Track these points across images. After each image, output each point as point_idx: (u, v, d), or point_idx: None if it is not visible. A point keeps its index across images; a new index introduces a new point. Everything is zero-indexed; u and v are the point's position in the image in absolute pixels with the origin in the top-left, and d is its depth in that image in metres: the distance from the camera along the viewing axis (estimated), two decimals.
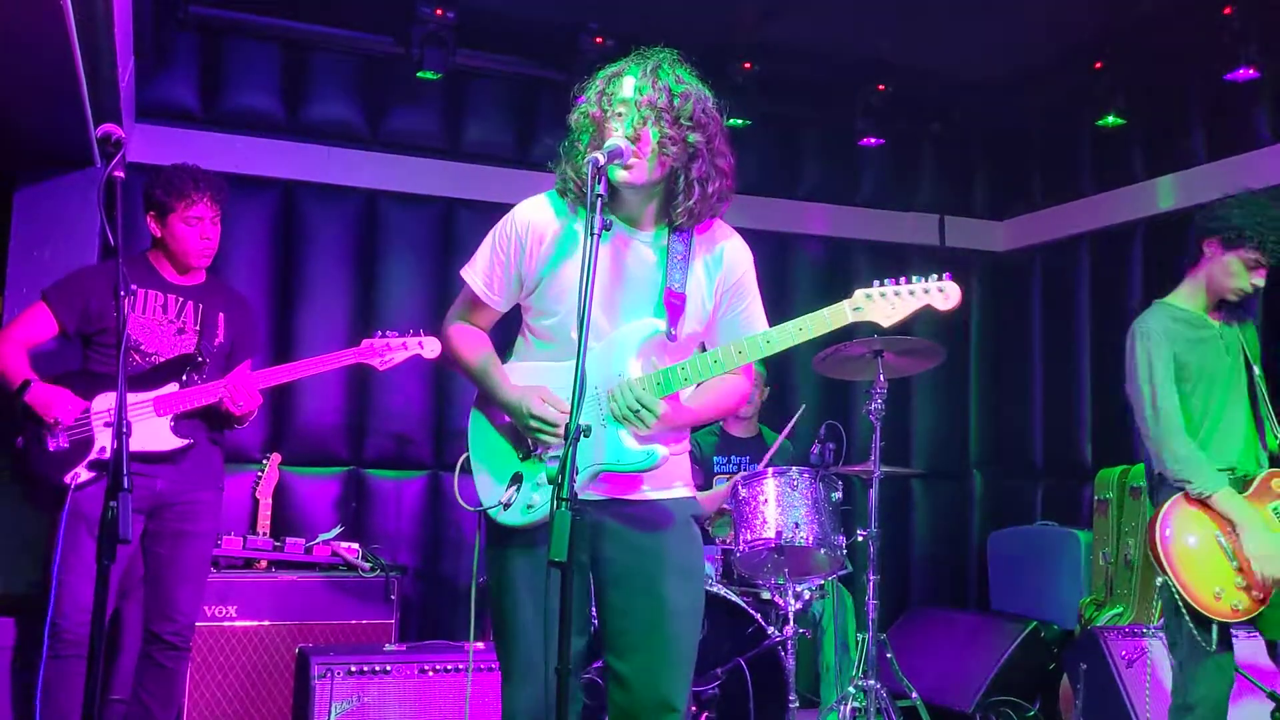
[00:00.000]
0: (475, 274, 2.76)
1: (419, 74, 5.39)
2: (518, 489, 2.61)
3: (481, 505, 2.67)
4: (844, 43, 5.74)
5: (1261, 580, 3.37)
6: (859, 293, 2.54)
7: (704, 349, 2.71)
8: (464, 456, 2.77)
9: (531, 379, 2.65)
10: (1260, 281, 3.59)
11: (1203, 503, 3.46)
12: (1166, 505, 3.49)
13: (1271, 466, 3.57)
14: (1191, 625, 3.41)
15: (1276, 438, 3.62)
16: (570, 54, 5.51)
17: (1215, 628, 3.40)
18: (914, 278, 2.55)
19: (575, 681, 2.63)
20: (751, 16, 5.48)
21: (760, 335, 2.57)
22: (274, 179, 5.59)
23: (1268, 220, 3.54)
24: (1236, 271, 3.58)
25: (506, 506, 2.61)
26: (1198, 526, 3.45)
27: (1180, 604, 3.41)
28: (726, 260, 2.67)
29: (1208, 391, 3.59)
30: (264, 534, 4.92)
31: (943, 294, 2.53)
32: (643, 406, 2.48)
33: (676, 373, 2.54)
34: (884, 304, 2.52)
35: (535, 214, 2.70)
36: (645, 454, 2.52)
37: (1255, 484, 3.50)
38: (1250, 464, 3.58)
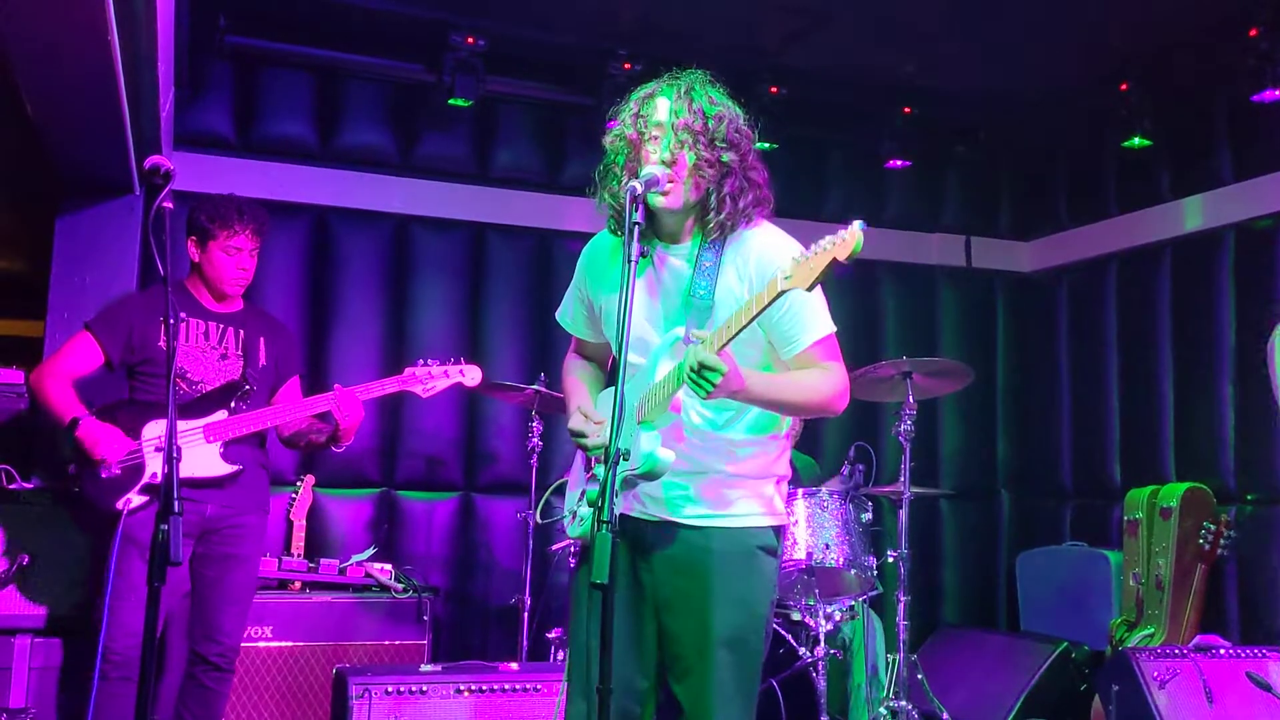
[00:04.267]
0: (562, 310, 2.95)
1: (450, 101, 5.46)
2: (581, 504, 2.72)
3: (549, 519, 2.81)
4: (869, 66, 5.78)
5: None
6: (789, 261, 2.38)
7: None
8: (559, 481, 2.90)
9: (603, 403, 2.77)
10: None
11: None
12: None
13: None
14: None
15: None
16: (598, 80, 5.57)
17: None
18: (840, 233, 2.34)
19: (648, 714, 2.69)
20: (777, 40, 5.54)
21: (726, 322, 2.45)
22: (307, 205, 5.67)
23: None
24: None
25: (574, 517, 2.72)
26: None
27: None
28: (754, 261, 2.65)
29: None
30: (298, 555, 4.97)
31: (842, 242, 2.29)
32: (705, 366, 2.38)
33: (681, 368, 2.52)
34: (804, 267, 2.34)
35: (596, 246, 2.85)
36: (645, 456, 2.47)
37: None
38: None
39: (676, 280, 2.69)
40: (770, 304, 2.39)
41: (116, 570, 3.54)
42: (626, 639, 2.58)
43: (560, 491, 2.92)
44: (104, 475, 3.68)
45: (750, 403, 2.60)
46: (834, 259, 2.30)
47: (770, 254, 2.63)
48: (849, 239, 2.29)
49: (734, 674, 2.60)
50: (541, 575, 5.25)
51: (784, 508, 2.78)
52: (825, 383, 2.64)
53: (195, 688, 3.85)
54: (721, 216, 2.61)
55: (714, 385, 2.39)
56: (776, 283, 2.38)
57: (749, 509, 2.69)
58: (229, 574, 3.87)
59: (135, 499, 3.66)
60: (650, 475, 2.51)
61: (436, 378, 4.13)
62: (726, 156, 2.59)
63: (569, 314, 2.94)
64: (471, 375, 4.16)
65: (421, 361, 4.16)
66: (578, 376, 2.92)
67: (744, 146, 2.63)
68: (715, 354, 2.39)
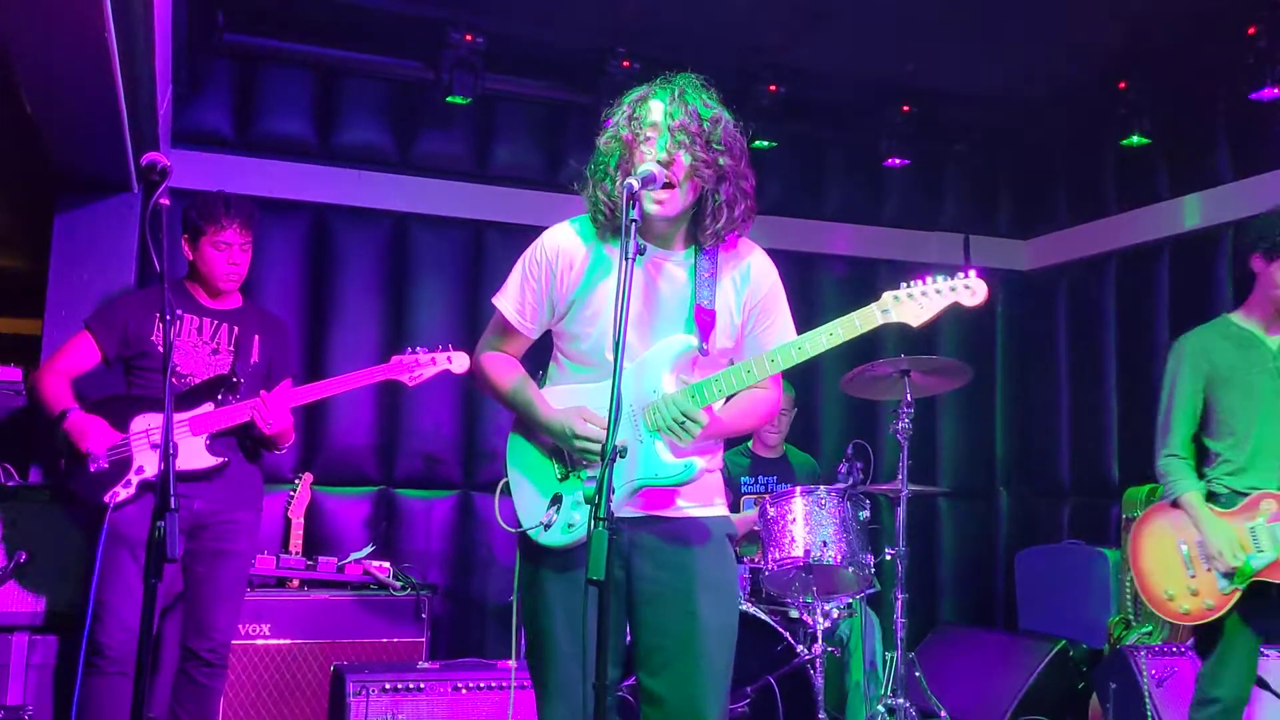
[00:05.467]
0: (507, 301, 2.79)
1: (448, 98, 5.46)
2: (558, 509, 2.64)
3: (522, 527, 2.69)
4: (868, 65, 5.78)
5: (1211, 575, 3.56)
6: (887, 295, 2.53)
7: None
8: (503, 481, 2.79)
9: (569, 401, 2.68)
10: None
11: (1177, 507, 3.67)
12: (1147, 510, 3.77)
13: None
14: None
15: None
16: (597, 78, 5.57)
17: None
18: (939, 276, 2.52)
19: (610, 700, 2.66)
20: (776, 39, 5.54)
21: (792, 343, 2.58)
22: (306, 202, 5.67)
23: None
24: None
25: (548, 527, 2.63)
26: (1167, 533, 3.69)
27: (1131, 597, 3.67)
28: (753, 276, 2.70)
29: (1246, 409, 3.68)
30: (296, 553, 4.97)
31: (969, 290, 2.51)
32: (687, 418, 2.51)
33: (711, 385, 2.56)
34: (912, 305, 2.51)
35: (564, 239, 2.75)
36: (684, 466, 2.54)
37: (1244, 502, 3.61)
38: (1267, 485, 3.63)
39: (673, 287, 2.67)
40: (860, 334, 2.53)
41: (103, 565, 3.54)
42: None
43: (506, 493, 2.80)
44: (92, 469, 3.69)
45: (716, 438, 2.76)
46: (956, 303, 2.50)
47: (762, 278, 2.73)
48: (976, 290, 2.51)
49: (718, 659, 2.62)
50: None
51: None
52: (767, 409, 2.80)
53: (188, 684, 3.84)
54: (719, 225, 2.62)
55: (692, 436, 2.52)
56: (874, 315, 2.52)
57: (716, 499, 2.76)
58: (220, 570, 3.87)
59: (121, 493, 3.68)
60: (688, 483, 2.56)
61: (424, 365, 4.11)
62: (723, 160, 2.59)
63: (521, 306, 2.76)
64: (459, 362, 4.14)
65: (409, 350, 4.15)
66: (526, 379, 2.79)
67: (737, 151, 2.64)
68: (703, 408, 2.54)
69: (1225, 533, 3.55)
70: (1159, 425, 3.79)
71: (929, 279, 2.52)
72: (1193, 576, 3.61)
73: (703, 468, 2.57)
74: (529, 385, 2.77)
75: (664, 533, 2.65)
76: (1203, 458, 3.78)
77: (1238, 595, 3.53)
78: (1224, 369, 3.71)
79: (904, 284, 2.54)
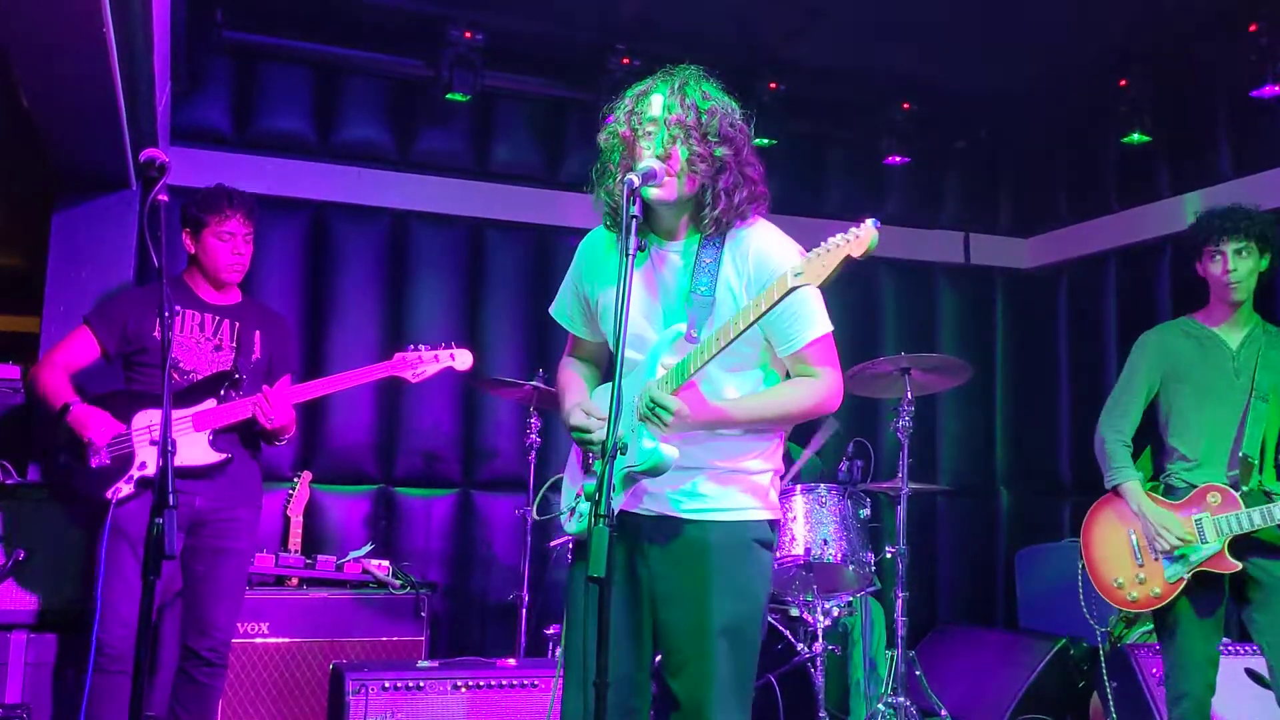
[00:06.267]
0: (556, 304, 2.93)
1: (448, 96, 5.45)
2: (580, 501, 2.72)
3: (548, 515, 2.78)
4: (869, 62, 5.78)
5: (1159, 564, 3.68)
6: (800, 258, 2.43)
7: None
8: (554, 478, 2.89)
9: (597, 397, 2.76)
10: (1235, 265, 3.76)
11: (1119, 495, 3.80)
12: (1097, 501, 3.90)
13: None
14: (1085, 610, 3.97)
15: (1258, 474, 3.71)
16: (597, 74, 5.56)
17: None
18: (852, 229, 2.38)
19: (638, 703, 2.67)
20: (776, 36, 5.53)
21: (730, 320, 2.50)
22: (305, 200, 5.67)
23: (1202, 218, 3.88)
24: (1214, 272, 3.82)
25: (571, 515, 2.72)
26: (1115, 523, 3.83)
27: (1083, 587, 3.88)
28: (754, 259, 2.64)
29: (1203, 407, 3.80)
30: (295, 551, 4.96)
31: (857, 238, 2.33)
32: (657, 404, 2.47)
33: (682, 368, 2.53)
34: (817, 263, 2.38)
35: (591, 241, 2.85)
36: (649, 453, 2.49)
37: (1190, 495, 3.73)
38: (1219, 480, 3.74)
39: (675, 277, 2.68)
40: (778, 302, 2.42)
41: (106, 562, 3.53)
42: (625, 633, 2.58)
43: (556, 488, 2.90)
44: (94, 464, 3.68)
45: (725, 428, 2.63)
46: (848, 256, 2.35)
47: (769, 253, 2.64)
48: (864, 236, 2.34)
49: (731, 665, 2.59)
50: (540, 571, 5.24)
51: (778, 501, 2.79)
52: (809, 395, 2.67)
53: (187, 683, 3.83)
54: (717, 212, 2.61)
55: (665, 424, 2.47)
56: (786, 279, 2.41)
57: (746, 502, 2.68)
58: (219, 568, 3.86)
59: (124, 489, 3.67)
60: (654, 472, 2.51)
61: (426, 362, 4.10)
62: (720, 151, 2.58)
63: (565, 309, 2.92)
64: (462, 359, 4.13)
65: (412, 346, 4.14)
66: (573, 374, 2.90)
67: (739, 141, 2.63)
68: (672, 393, 2.48)
69: (1167, 516, 3.68)
70: (1109, 408, 3.93)
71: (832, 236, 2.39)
72: (1140, 565, 3.74)
73: (671, 456, 2.49)
74: (565, 383, 2.87)
75: (681, 534, 2.64)
76: (1162, 454, 3.90)
77: (1184, 584, 3.65)
78: (1184, 366, 3.84)
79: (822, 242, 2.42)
